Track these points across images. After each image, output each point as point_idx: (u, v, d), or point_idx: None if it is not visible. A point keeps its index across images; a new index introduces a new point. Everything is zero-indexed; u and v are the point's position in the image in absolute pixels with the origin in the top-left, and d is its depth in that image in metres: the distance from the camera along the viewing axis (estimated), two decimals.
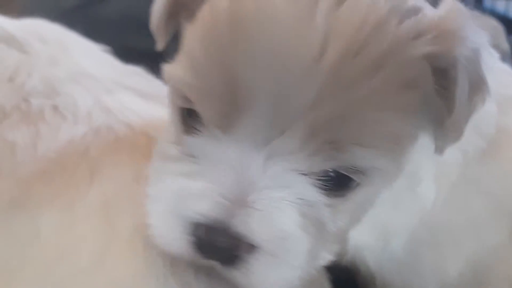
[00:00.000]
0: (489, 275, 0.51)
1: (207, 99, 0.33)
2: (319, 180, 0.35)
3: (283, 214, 0.34)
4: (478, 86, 0.37)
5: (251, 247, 0.34)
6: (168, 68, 0.38)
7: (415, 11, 0.36)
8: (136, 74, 0.63)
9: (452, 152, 0.47)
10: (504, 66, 0.58)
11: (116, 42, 1.08)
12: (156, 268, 0.40)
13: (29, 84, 0.55)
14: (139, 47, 1.09)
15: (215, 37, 0.33)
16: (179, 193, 0.36)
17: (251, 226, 0.33)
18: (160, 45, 0.45)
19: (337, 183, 0.35)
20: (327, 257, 0.39)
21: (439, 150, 0.40)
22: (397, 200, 0.49)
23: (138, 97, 0.58)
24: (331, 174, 0.35)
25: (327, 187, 0.35)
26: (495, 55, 0.54)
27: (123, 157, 0.47)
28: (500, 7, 1.86)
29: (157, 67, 1.20)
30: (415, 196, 0.49)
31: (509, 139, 0.51)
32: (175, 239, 0.36)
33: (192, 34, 0.36)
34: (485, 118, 0.48)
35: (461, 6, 0.37)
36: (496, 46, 1.50)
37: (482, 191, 0.51)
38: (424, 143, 0.42)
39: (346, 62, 0.31)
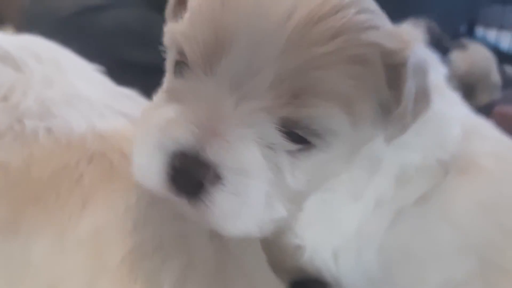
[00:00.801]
0: None
1: (197, 45, 0.40)
2: (282, 130, 0.40)
3: (248, 149, 0.39)
4: (423, 95, 0.45)
5: (216, 178, 0.38)
6: (169, 26, 0.45)
7: (374, 12, 0.44)
8: (128, 98, 0.64)
9: (414, 156, 0.53)
10: (456, 96, 0.60)
11: (111, 53, 1.09)
12: None
13: (24, 105, 0.56)
14: (133, 60, 1.11)
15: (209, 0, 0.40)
16: (159, 125, 0.41)
17: (219, 154, 0.38)
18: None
19: (297, 139, 0.41)
20: (282, 212, 0.43)
21: (387, 139, 0.47)
22: (357, 190, 0.53)
23: (131, 123, 0.59)
24: (289, 134, 0.40)
25: (288, 138, 0.40)
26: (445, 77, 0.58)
27: (116, 186, 0.49)
28: (491, 37, 1.92)
29: (150, 81, 1.21)
30: (374, 186, 0.53)
31: (474, 167, 0.54)
32: (153, 172, 0.40)
33: (192, 2, 0.43)
34: (449, 136, 0.54)
35: (418, 32, 0.46)
36: (487, 77, 1.55)
37: (449, 220, 0.52)
38: (379, 137, 0.47)
39: (307, 27, 0.38)
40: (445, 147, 0.54)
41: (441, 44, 1.37)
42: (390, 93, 0.44)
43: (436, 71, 0.54)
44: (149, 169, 0.41)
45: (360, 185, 0.53)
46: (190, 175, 0.38)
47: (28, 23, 1.11)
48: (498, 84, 1.59)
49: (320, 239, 0.57)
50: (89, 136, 0.54)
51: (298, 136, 0.41)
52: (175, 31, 0.42)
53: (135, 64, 1.12)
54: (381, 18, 0.44)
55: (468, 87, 1.51)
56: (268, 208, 0.41)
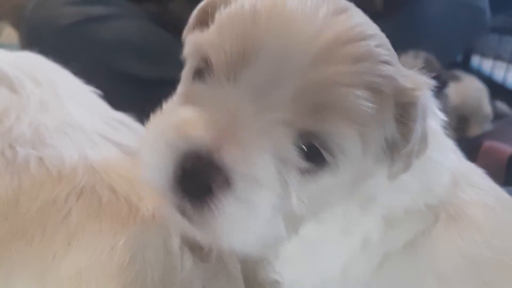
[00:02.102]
0: None
1: (223, 53, 0.41)
2: (297, 145, 0.41)
3: (262, 160, 0.39)
4: (423, 137, 0.47)
5: (226, 185, 0.37)
6: (193, 36, 0.46)
7: (390, 51, 0.46)
8: (123, 125, 0.64)
9: (403, 198, 0.54)
10: (450, 143, 0.61)
11: (109, 64, 1.10)
12: None
13: (17, 130, 0.56)
14: (130, 72, 1.11)
15: (239, 14, 0.42)
16: (176, 125, 0.40)
17: (233, 159, 0.37)
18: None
19: (310, 156, 0.41)
20: (282, 230, 0.43)
21: (391, 175, 0.49)
22: (347, 225, 0.53)
23: (123, 154, 0.59)
24: (306, 149, 0.41)
25: (301, 155, 0.41)
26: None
27: (103, 225, 0.49)
28: (487, 66, 1.95)
29: (146, 94, 1.21)
30: (363, 224, 0.54)
31: (463, 217, 0.55)
32: (161, 168, 0.39)
33: (221, 17, 0.44)
34: (437, 182, 0.55)
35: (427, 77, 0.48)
36: (479, 109, 1.56)
37: (435, 270, 0.53)
38: (382, 174, 0.49)
39: (334, 47, 0.40)
40: (433, 192, 0.55)
41: (439, 79, 1.38)
42: (397, 130, 0.46)
43: (435, 117, 0.56)
44: (156, 166, 0.40)
45: (351, 220, 0.54)
46: (200, 176, 0.38)
47: (28, 30, 1.11)
48: (490, 116, 1.62)
49: (300, 276, 0.58)
50: (80, 167, 0.54)
51: (311, 153, 0.41)
52: (200, 40, 0.44)
53: (133, 76, 1.13)
54: (395, 59, 0.46)
55: (461, 119, 1.53)
56: (271, 223, 0.41)
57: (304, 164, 0.41)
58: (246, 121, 0.39)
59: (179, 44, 1.28)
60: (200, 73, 0.43)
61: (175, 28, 1.22)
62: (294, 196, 0.42)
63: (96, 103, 0.67)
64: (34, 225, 0.48)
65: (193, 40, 0.45)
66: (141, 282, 0.46)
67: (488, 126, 1.60)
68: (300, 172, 0.42)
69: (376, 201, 0.53)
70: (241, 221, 0.39)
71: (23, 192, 0.50)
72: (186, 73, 0.47)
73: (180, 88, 0.47)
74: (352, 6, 0.47)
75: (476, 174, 0.61)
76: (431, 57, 1.33)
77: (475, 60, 2.03)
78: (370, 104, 0.41)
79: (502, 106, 1.65)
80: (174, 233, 0.49)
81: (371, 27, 0.45)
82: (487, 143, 1.39)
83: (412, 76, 0.47)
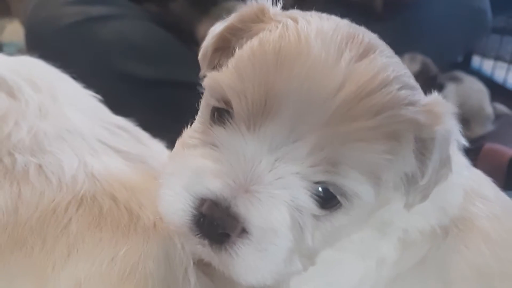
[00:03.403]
0: None
1: (245, 101, 0.41)
2: (312, 192, 0.42)
3: (277, 210, 0.40)
4: (446, 162, 0.47)
5: (243, 232, 0.40)
6: (214, 75, 0.45)
7: (413, 88, 0.45)
8: (123, 130, 0.63)
9: (419, 220, 0.54)
10: (464, 160, 0.61)
11: (109, 64, 1.09)
12: None
13: (16, 136, 0.55)
14: (130, 73, 1.10)
15: (262, 59, 0.42)
16: (196, 170, 0.42)
17: (249, 209, 0.39)
18: (203, 72, 0.51)
19: (325, 200, 0.42)
20: (298, 266, 0.45)
21: (408, 206, 0.49)
22: (366, 249, 0.53)
23: (123, 160, 0.58)
24: (321, 192, 0.42)
25: (316, 201, 0.42)
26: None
27: (103, 235, 0.48)
28: (488, 67, 1.94)
29: (146, 94, 1.20)
30: (380, 247, 0.54)
31: (472, 229, 0.54)
32: (180, 210, 0.41)
33: (241, 56, 0.44)
34: (451, 200, 0.55)
35: (445, 101, 0.47)
36: (481, 110, 1.55)
37: (445, 283, 0.53)
38: (398, 199, 0.49)
39: (353, 102, 0.40)
40: (447, 213, 0.55)
41: (436, 81, 1.38)
42: (416, 164, 0.46)
43: (456, 141, 0.55)
44: (176, 205, 0.42)
45: (369, 245, 0.54)
46: (218, 224, 0.40)
47: (29, 30, 1.10)
48: (491, 116, 1.61)
49: None
50: (80, 175, 0.53)
51: (326, 196, 0.42)
52: (219, 80, 0.43)
53: (133, 76, 1.12)
54: (417, 92, 0.46)
55: (462, 120, 1.52)
56: (287, 263, 0.43)
57: (318, 211, 0.42)
58: (262, 172, 0.40)
59: (180, 45, 1.26)
60: (219, 113, 0.44)
61: (176, 28, 1.22)
62: (309, 237, 0.43)
63: (96, 108, 0.66)
64: (34, 235, 0.47)
65: (212, 78, 0.45)
66: None
67: (489, 127, 1.60)
68: (314, 216, 0.43)
69: (393, 225, 0.53)
70: (257, 265, 0.41)
71: (23, 201, 0.49)
72: (204, 108, 0.47)
73: (199, 123, 0.48)
74: (377, 43, 0.46)
75: (485, 186, 0.61)
76: (427, 60, 1.32)
77: (476, 61, 2.02)
78: (389, 156, 0.41)
79: (500, 107, 1.65)
80: (177, 243, 0.49)
81: (395, 67, 0.44)
82: (488, 146, 1.38)
83: (433, 107, 0.46)
